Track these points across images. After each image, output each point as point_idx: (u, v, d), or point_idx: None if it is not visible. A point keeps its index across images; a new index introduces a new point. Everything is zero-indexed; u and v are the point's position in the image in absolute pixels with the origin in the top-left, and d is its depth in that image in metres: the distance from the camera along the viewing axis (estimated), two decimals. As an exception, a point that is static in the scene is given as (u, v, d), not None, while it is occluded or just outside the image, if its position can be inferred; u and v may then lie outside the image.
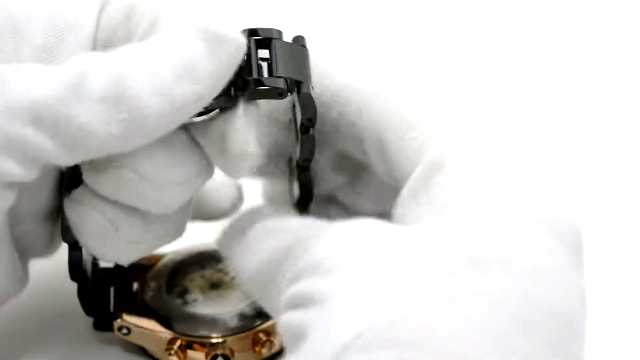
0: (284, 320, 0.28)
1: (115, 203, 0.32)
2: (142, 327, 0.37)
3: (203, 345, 0.37)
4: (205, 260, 0.40)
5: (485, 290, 0.25)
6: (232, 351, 0.37)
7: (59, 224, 0.35)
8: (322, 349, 0.25)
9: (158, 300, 0.38)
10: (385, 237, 0.28)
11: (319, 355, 0.25)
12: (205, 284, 0.39)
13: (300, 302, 0.27)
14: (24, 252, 0.36)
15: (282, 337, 0.28)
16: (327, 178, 0.36)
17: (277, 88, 0.32)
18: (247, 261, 0.32)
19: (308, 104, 0.32)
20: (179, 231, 0.35)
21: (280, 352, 0.38)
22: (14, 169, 0.29)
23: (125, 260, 0.34)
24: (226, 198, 0.40)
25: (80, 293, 0.36)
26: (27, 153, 0.29)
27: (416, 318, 0.25)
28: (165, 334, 0.37)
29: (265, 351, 0.37)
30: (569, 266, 0.27)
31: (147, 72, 0.29)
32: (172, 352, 0.37)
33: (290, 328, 0.27)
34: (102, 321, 0.38)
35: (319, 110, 0.32)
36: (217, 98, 0.30)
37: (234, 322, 0.37)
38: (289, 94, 0.32)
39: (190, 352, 0.37)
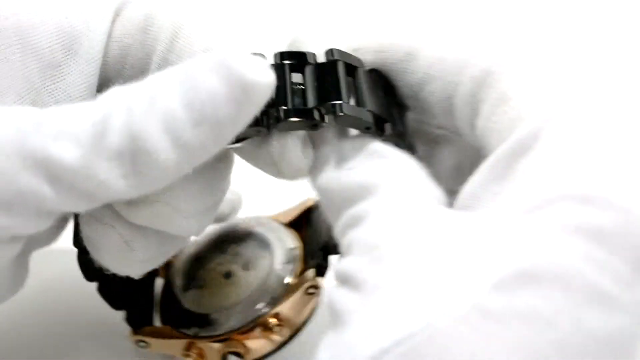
0: (328, 292, 0.27)
1: (135, 225, 0.32)
2: (158, 338, 0.38)
3: (214, 343, 0.37)
4: (224, 243, 0.40)
5: (535, 309, 0.24)
6: (244, 345, 0.37)
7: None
8: (360, 348, 0.24)
9: (174, 304, 0.39)
10: (442, 230, 0.26)
11: (356, 354, 0.24)
12: (219, 275, 0.39)
13: (346, 280, 0.27)
14: (27, 247, 0.34)
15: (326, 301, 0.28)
16: None
17: (361, 121, 0.30)
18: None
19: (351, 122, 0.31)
20: (185, 243, 0.35)
21: (295, 333, 0.38)
22: (27, 225, 0.29)
23: (135, 274, 0.34)
24: (226, 202, 0.40)
25: (103, 291, 0.37)
26: (41, 209, 0.28)
27: (457, 334, 0.24)
28: (181, 340, 0.38)
29: (277, 337, 0.37)
30: (633, 295, 0.25)
31: (164, 122, 0.27)
32: (191, 357, 0.37)
33: (333, 305, 0.27)
34: (134, 317, 0.39)
35: (410, 90, 0.32)
36: (249, 127, 0.29)
37: (241, 315, 0.37)
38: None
39: (205, 349, 0.37)
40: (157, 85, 0.28)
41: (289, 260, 0.38)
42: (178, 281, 0.39)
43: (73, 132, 0.28)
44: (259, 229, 0.40)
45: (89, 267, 0.34)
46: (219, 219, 0.41)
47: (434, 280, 0.25)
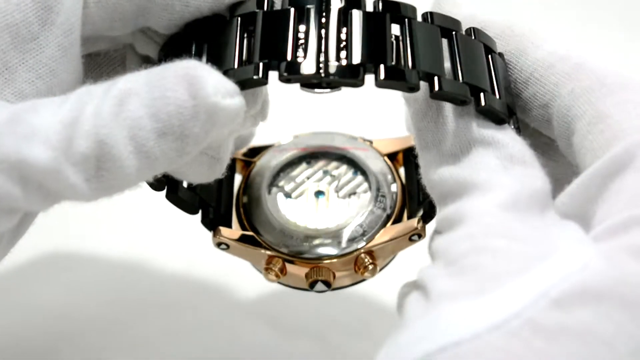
0: (406, 297, 0.28)
1: None
2: (240, 244, 0.36)
3: (303, 265, 0.36)
4: (314, 157, 0.38)
5: (590, 328, 0.24)
6: (333, 275, 0.36)
7: None
8: (408, 350, 0.24)
9: (258, 209, 0.37)
10: (519, 246, 0.26)
11: (403, 356, 0.24)
12: (309, 191, 0.38)
13: (422, 287, 0.27)
14: None
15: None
16: None
17: (457, 95, 0.29)
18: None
19: (489, 115, 0.30)
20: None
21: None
22: None
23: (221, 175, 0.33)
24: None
25: (173, 197, 0.35)
26: (7, 208, 0.29)
27: (503, 347, 0.23)
28: (265, 252, 0.36)
29: (368, 274, 0.36)
30: None
31: (129, 129, 0.28)
32: (272, 272, 0.36)
33: (403, 309, 0.27)
34: (211, 217, 0.36)
35: (515, 87, 0.31)
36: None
37: (336, 244, 0.36)
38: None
39: (289, 269, 0.36)
40: (126, 89, 0.28)
41: (389, 197, 0.37)
42: (263, 185, 0.37)
43: (45, 134, 0.28)
44: (356, 153, 0.38)
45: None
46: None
47: (493, 292, 0.25)
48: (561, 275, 0.25)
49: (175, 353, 0.43)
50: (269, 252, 0.36)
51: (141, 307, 0.45)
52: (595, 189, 0.27)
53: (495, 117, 0.30)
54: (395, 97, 0.33)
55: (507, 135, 0.29)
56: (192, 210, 0.36)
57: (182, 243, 0.47)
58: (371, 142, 0.39)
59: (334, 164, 0.38)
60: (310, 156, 0.38)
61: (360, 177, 0.38)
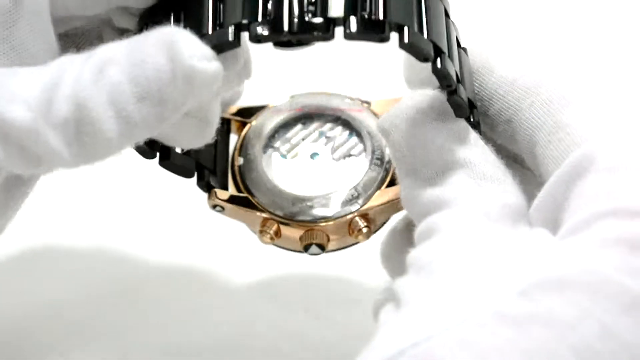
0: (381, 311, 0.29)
1: None
2: (235, 206, 0.36)
3: (298, 228, 0.35)
4: (308, 118, 0.38)
5: (556, 314, 0.24)
6: (327, 238, 0.36)
7: None
8: (381, 349, 0.25)
9: (253, 171, 0.36)
10: (488, 248, 0.27)
11: (377, 354, 0.25)
12: (304, 152, 0.37)
13: (397, 298, 0.27)
14: None
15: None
16: None
17: (423, 51, 0.29)
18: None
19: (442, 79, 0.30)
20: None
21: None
22: None
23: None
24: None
25: (167, 163, 0.35)
26: None
27: (472, 339, 0.24)
28: (260, 214, 0.36)
29: (362, 237, 0.35)
30: None
31: (109, 94, 0.28)
32: (267, 234, 0.35)
33: (378, 320, 0.28)
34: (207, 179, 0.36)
35: (480, 105, 0.32)
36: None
37: (331, 207, 0.35)
38: None
39: (284, 231, 0.36)
40: (106, 57, 0.29)
41: (384, 159, 0.36)
42: (258, 146, 0.37)
43: (24, 97, 0.28)
44: (352, 114, 0.37)
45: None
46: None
47: (462, 290, 0.26)
48: (527, 268, 0.25)
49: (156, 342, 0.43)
50: (263, 215, 0.35)
51: (121, 298, 0.45)
52: (560, 195, 0.28)
53: (449, 79, 0.30)
54: (393, 57, 0.32)
55: (479, 156, 0.30)
56: (187, 174, 0.35)
57: (164, 232, 0.47)
58: (369, 104, 0.38)
59: (329, 125, 0.38)
60: (305, 117, 0.38)
61: (355, 139, 0.37)
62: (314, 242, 0.35)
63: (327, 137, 0.37)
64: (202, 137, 0.32)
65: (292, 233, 0.36)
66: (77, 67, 0.29)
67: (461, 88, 0.31)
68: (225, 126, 0.37)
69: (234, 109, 0.38)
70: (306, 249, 0.36)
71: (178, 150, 0.35)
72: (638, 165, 0.27)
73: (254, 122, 0.38)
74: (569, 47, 0.33)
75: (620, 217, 0.26)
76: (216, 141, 0.35)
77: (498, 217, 0.28)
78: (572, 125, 0.29)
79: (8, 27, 0.30)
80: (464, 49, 0.33)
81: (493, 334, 0.24)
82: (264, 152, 0.37)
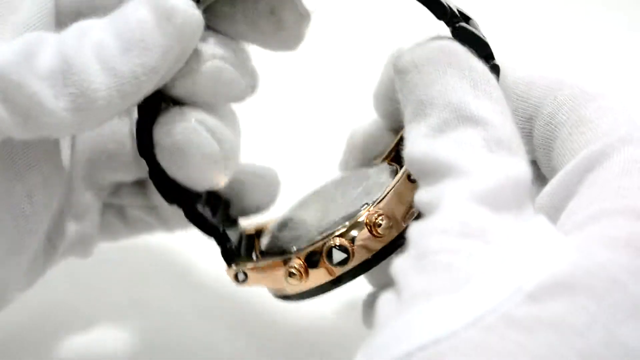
0: (380, 294, 0.27)
1: (208, 108, 0.33)
2: (258, 266, 0.35)
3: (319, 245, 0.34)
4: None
5: (565, 319, 0.24)
6: (352, 240, 0.33)
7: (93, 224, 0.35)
8: (387, 351, 0.24)
9: (271, 243, 0.36)
10: (492, 240, 0.26)
11: (383, 356, 0.24)
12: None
13: (395, 281, 0.27)
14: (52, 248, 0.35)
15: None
16: None
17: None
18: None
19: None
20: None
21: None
22: None
23: (221, 180, 0.34)
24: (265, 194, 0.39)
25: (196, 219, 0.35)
26: None
27: (481, 343, 0.24)
28: (279, 262, 0.34)
29: (384, 233, 0.33)
30: None
31: (93, 49, 0.29)
32: (295, 273, 0.34)
33: (377, 308, 0.27)
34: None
35: None
36: None
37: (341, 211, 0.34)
38: None
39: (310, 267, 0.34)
40: (90, 23, 0.30)
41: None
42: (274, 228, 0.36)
43: (7, 50, 0.28)
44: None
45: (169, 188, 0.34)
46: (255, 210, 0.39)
47: (468, 288, 0.25)
48: (534, 269, 0.25)
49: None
50: (286, 259, 0.34)
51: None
52: (573, 185, 0.28)
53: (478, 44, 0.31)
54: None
55: (497, 117, 0.29)
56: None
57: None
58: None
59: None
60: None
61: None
62: (334, 244, 0.33)
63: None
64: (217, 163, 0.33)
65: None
66: (60, 33, 0.29)
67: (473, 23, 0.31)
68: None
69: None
70: (329, 256, 0.33)
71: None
72: (634, 169, 0.27)
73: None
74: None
75: (628, 216, 0.26)
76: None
77: (506, 201, 0.27)
78: (595, 121, 0.29)
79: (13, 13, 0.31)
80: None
81: (502, 338, 0.23)
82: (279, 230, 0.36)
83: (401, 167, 0.34)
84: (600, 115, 0.29)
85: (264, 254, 0.35)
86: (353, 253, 0.33)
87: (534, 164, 0.32)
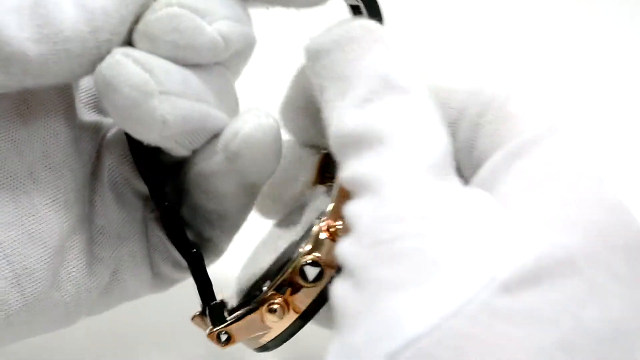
0: (333, 287, 0.27)
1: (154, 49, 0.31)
2: (238, 315, 0.34)
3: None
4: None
5: (539, 309, 0.24)
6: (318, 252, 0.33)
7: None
8: (367, 353, 0.24)
9: (239, 298, 0.35)
10: (449, 223, 0.26)
11: (363, 356, 0.24)
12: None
13: (350, 273, 0.26)
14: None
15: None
16: None
17: None
18: None
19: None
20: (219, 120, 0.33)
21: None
22: None
23: (158, 131, 0.31)
24: None
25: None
26: None
27: (469, 334, 0.23)
28: (257, 301, 0.34)
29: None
30: (629, 279, 0.26)
31: None
32: (277, 306, 0.33)
33: (337, 305, 0.26)
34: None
35: None
36: None
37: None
38: None
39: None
40: None
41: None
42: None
43: None
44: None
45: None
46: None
47: (439, 278, 0.25)
48: (504, 258, 0.25)
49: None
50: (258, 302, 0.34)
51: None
52: (500, 173, 0.28)
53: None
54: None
55: (422, 87, 0.29)
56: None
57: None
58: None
59: None
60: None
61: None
62: (305, 262, 0.32)
63: None
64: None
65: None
66: None
67: None
68: None
69: None
70: (303, 276, 0.33)
71: None
72: (571, 155, 0.28)
73: None
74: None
75: (574, 201, 0.26)
76: None
77: (448, 169, 0.27)
78: (521, 115, 0.30)
79: None
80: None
81: (487, 328, 0.23)
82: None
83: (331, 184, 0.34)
84: (525, 111, 0.30)
85: (235, 310, 0.35)
86: (325, 265, 0.32)
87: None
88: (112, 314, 0.37)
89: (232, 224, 0.35)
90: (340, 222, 0.32)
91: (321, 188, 0.36)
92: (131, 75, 0.30)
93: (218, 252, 0.36)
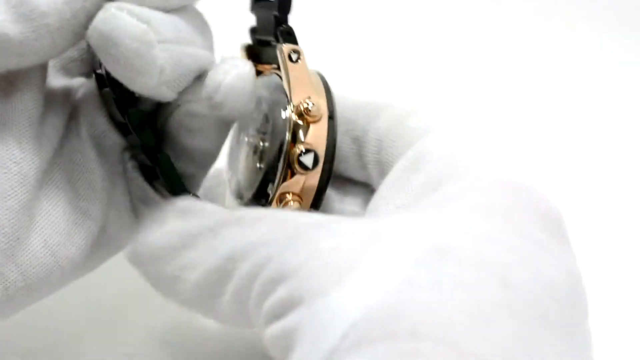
0: (270, 333, 0.26)
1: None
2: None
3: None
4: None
5: (460, 278, 0.24)
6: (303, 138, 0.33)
7: None
8: (312, 353, 0.24)
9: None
10: (352, 233, 0.26)
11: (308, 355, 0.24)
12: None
13: (283, 310, 0.26)
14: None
15: (271, 352, 0.27)
16: None
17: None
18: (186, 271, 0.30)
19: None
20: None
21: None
22: None
23: (154, 81, 0.32)
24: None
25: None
26: None
27: (396, 305, 0.23)
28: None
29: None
30: (549, 246, 0.26)
31: None
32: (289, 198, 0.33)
33: (278, 339, 0.26)
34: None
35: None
36: None
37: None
38: None
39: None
40: None
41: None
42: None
43: None
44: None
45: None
46: None
47: (358, 269, 0.25)
48: (409, 241, 0.25)
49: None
50: None
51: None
52: (405, 179, 0.31)
53: None
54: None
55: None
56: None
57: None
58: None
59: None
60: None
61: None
62: (301, 152, 0.33)
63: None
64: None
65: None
66: None
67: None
68: None
69: None
70: (301, 165, 0.33)
71: None
72: (464, 156, 0.30)
73: None
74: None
75: (480, 188, 0.28)
76: None
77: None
78: (417, 129, 0.32)
79: None
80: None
81: (412, 298, 0.23)
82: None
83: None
84: (419, 124, 0.33)
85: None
86: (314, 147, 0.33)
87: (368, 186, 0.35)
88: (100, 278, 0.38)
89: (212, 157, 0.36)
90: (307, 102, 0.33)
91: (258, 82, 0.35)
92: (130, 27, 0.30)
93: (197, 188, 0.37)
